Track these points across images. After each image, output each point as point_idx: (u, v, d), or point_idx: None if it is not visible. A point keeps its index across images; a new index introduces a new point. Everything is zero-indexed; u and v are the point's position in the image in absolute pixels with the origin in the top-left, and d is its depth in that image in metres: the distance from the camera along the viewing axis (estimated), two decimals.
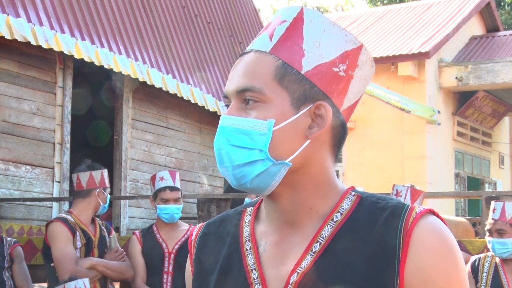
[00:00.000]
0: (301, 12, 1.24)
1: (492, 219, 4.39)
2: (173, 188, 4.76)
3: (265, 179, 1.20)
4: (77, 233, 4.38)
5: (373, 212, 1.21)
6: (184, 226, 4.92)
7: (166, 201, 4.72)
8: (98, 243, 4.50)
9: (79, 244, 4.38)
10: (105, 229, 4.62)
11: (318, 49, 1.22)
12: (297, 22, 1.23)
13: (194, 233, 1.36)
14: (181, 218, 4.94)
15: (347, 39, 1.24)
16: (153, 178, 4.85)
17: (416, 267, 1.15)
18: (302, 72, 1.21)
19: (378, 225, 1.18)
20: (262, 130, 1.18)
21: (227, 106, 1.25)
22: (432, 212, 1.20)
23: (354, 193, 1.25)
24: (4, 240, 4.68)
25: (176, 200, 4.75)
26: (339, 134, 1.26)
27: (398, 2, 23.39)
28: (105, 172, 4.62)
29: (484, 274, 4.42)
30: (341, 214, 1.22)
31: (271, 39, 1.23)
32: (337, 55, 1.23)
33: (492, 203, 4.48)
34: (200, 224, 1.39)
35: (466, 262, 4.66)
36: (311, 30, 1.23)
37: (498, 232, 4.34)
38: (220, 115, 9.72)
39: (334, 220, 1.22)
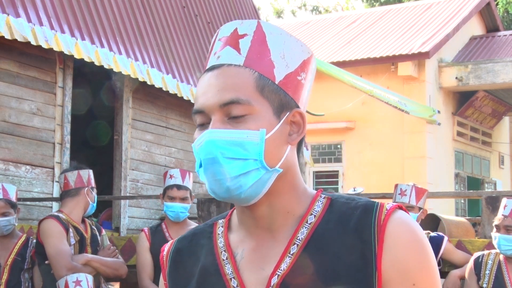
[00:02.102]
0: (260, 26, 1.28)
1: (502, 215, 4.43)
2: (180, 187, 4.81)
3: (258, 187, 1.23)
4: (70, 230, 4.39)
5: (345, 212, 1.26)
6: (194, 225, 4.94)
7: (172, 199, 4.77)
8: (90, 241, 4.51)
9: (72, 241, 4.39)
10: (95, 228, 4.64)
11: (284, 60, 1.27)
12: (259, 36, 1.27)
13: (166, 249, 1.39)
14: None
15: (303, 49, 1.30)
16: (164, 175, 4.95)
17: (392, 260, 1.20)
18: (276, 82, 1.25)
19: (352, 223, 1.23)
20: (255, 140, 1.22)
21: (201, 124, 1.29)
22: (400, 208, 1.26)
23: (324, 195, 1.30)
24: (30, 242, 4.67)
25: (183, 199, 4.79)
26: (301, 140, 1.32)
27: (396, 2, 23.37)
28: (91, 172, 4.65)
29: (487, 272, 4.43)
30: (314, 216, 1.27)
31: (239, 53, 1.26)
32: (298, 64, 1.29)
33: (504, 199, 4.52)
34: (171, 241, 1.42)
35: (467, 262, 4.66)
36: (274, 42, 1.27)
37: (506, 228, 4.37)
38: None
39: (309, 222, 1.26)
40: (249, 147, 1.21)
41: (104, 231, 4.75)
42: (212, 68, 1.27)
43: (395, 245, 1.20)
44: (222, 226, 1.34)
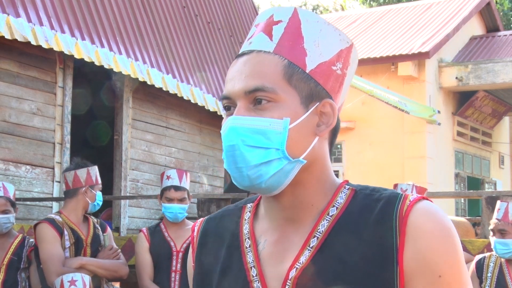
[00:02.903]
0: (296, 12, 1.26)
1: (496, 219, 4.41)
2: (178, 188, 4.77)
3: (280, 178, 1.21)
4: (65, 232, 4.36)
5: (368, 204, 1.22)
6: (192, 225, 4.91)
7: (170, 200, 4.74)
8: (91, 242, 4.48)
9: (67, 243, 4.37)
10: (99, 228, 4.60)
11: (318, 48, 1.24)
12: (294, 22, 1.25)
13: (195, 229, 1.38)
14: None
15: (341, 38, 1.27)
16: (161, 176, 4.90)
17: (415, 253, 1.15)
18: (307, 71, 1.22)
19: (373, 216, 1.20)
20: (278, 129, 1.19)
21: (227, 107, 1.25)
22: (425, 199, 1.21)
23: (348, 186, 1.27)
24: (26, 241, 4.67)
25: (180, 200, 4.77)
26: (335, 131, 1.28)
27: (395, 2, 23.37)
28: (92, 169, 4.54)
29: (489, 274, 4.42)
30: (337, 208, 1.24)
31: (271, 39, 1.24)
32: (334, 54, 1.25)
33: (498, 203, 4.50)
34: (201, 219, 1.40)
35: (467, 262, 4.66)
36: (309, 29, 1.25)
37: (500, 232, 4.36)
38: (220, 115, 9.57)
39: (330, 214, 1.23)
40: (272, 136, 1.19)
41: (108, 230, 4.68)
42: (243, 54, 1.25)
43: (418, 235, 1.15)
44: (249, 212, 1.32)
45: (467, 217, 11.36)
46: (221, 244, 1.31)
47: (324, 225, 1.22)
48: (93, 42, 7.10)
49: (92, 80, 8.45)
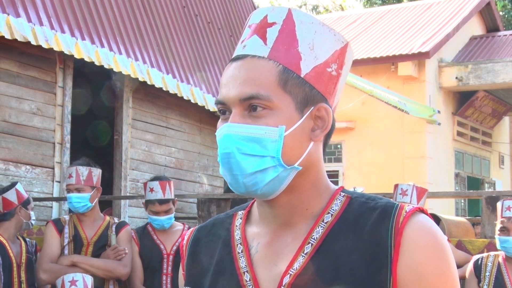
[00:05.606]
0: (290, 14, 1.23)
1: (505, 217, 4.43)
2: (162, 201, 4.65)
3: (275, 184, 1.20)
4: (65, 230, 4.43)
5: (363, 212, 1.22)
6: (179, 226, 4.87)
7: (156, 213, 4.67)
8: (96, 241, 4.49)
9: (66, 241, 4.42)
10: (114, 228, 4.58)
11: (313, 51, 1.22)
12: (289, 24, 1.22)
13: (185, 238, 1.37)
14: (182, 218, 4.91)
15: (336, 39, 1.25)
16: (144, 186, 4.76)
17: (409, 265, 1.16)
18: (302, 76, 1.21)
19: (369, 225, 1.19)
20: (273, 137, 1.18)
21: (221, 111, 1.24)
22: (421, 211, 1.21)
23: (343, 193, 1.26)
24: (28, 241, 4.74)
25: (166, 212, 4.68)
26: (330, 133, 1.27)
27: (394, 2, 23.37)
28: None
29: (487, 274, 4.43)
30: (331, 215, 1.23)
31: (265, 43, 1.22)
32: (329, 55, 1.23)
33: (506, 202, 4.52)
34: (191, 229, 1.40)
35: (467, 262, 4.66)
36: (304, 32, 1.22)
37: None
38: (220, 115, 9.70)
39: (325, 221, 1.23)
40: (267, 144, 1.18)
41: (123, 231, 4.58)
42: (237, 58, 1.23)
43: (413, 249, 1.16)
44: (241, 218, 1.32)
45: (467, 217, 11.36)
46: (213, 251, 1.30)
47: (318, 232, 1.22)
48: (93, 42, 7.10)
49: (92, 80, 8.45)
